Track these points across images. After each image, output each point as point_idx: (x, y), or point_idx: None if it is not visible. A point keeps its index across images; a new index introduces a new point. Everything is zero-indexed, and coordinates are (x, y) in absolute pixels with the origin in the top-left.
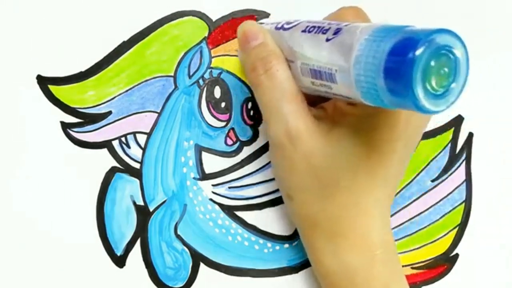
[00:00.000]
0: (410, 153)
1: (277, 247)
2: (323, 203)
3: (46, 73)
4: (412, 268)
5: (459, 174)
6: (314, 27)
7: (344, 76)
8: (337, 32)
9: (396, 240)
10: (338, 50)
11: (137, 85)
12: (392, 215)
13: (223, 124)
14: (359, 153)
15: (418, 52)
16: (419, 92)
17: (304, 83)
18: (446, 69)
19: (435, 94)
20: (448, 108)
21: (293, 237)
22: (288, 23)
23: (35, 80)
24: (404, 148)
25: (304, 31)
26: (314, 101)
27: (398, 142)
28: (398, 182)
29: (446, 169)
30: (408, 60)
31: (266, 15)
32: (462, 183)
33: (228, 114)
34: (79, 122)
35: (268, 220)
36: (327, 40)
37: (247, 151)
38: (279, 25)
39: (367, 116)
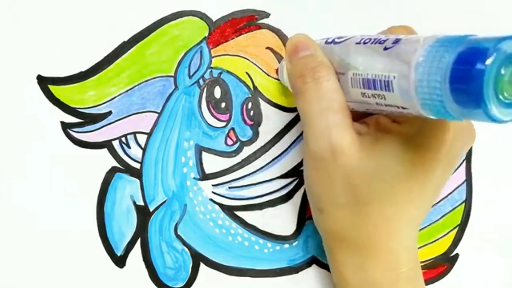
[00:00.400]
0: (448, 176)
1: (277, 247)
2: (354, 219)
3: (46, 73)
4: None
5: (459, 174)
6: (370, 39)
7: (403, 83)
8: (396, 42)
9: None
10: (397, 58)
11: (137, 85)
12: None
13: (223, 124)
14: (399, 172)
15: (489, 61)
16: (491, 102)
17: (352, 95)
18: None
19: (505, 103)
20: None
21: (293, 237)
22: (339, 37)
23: (35, 80)
24: (444, 171)
25: (358, 43)
26: (355, 116)
27: (439, 165)
28: (432, 203)
29: None
30: (478, 70)
31: (266, 15)
32: (462, 183)
33: (228, 114)
34: (79, 122)
35: (268, 220)
36: (386, 49)
37: (247, 151)
38: (330, 40)
39: (411, 135)
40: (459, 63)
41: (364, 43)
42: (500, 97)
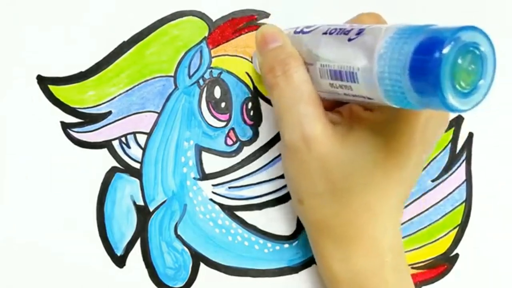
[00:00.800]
0: (424, 160)
1: (277, 247)
2: (334, 208)
3: (46, 73)
4: (412, 268)
5: (459, 174)
6: (336, 29)
7: (367, 75)
8: (360, 32)
9: None
10: (361, 49)
11: (137, 85)
12: None
13: (223, 124)
14: (375, 159)
15: (445, 50)
16: (448, 91)
17: (322, 86)
18: (473, 66)
19: (463, 92)
20: (476, 106)
21: (293, 237)
22: (307, 27)
23: (35, 80)
24: (420, 155)
25: (325, 33)
26: (329, 106)
27: (414, 149)
28: (411, 188)
29: (446, 169)
30: (436, 59)
31: (266, 15)
32: (462, 183)
33: (228, 114)
34: (79, 122)
35: (268, 220)
36: (350, 40)
37: (247, 151)
38: (298, 29)
39: (384, 122)
40: (418, 53)
41: (330, 33)
42: (457, 86)
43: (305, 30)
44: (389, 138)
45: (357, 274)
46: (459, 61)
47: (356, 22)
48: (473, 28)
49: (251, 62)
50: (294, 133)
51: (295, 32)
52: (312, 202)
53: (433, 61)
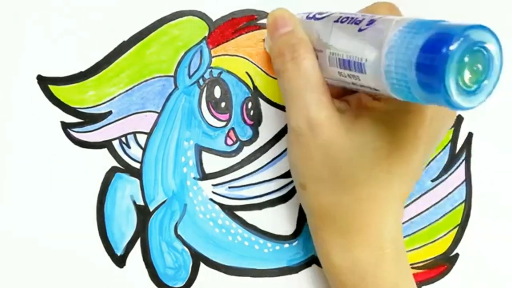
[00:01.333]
0: (429, 154)
1: (277, 247)
2: (337, 195)
3: (46, 73)
4: (412, 268)
5: (459, 174)
6: (348, 17)
7: (374, 67)
8: (370, 23)
9: None
10: (370, 40)
11: (137, 85)
12: None
13: (223, 124)
14: (380, 149)
15: (452, 47)
16: (452, 88)
17: (331, 73)
18: (479, 65)
19: (467, 91)
20: (479, 105)
21: (293, 237)
22: (320, 13)
23: (35, 80)
24: (425, 149)
25: (336, 21)
26: (338, 94)
27: (419, 143)
28: (414, 181)
29: (446, 169)
30: (442, 55)
31: (266, 15)
32: (462, 183)
33: (228, 114)
34: (79, 122)
35: (268, 220)
36: (360, 30)
37: (247, 151)
38: (311, 15)
39: (391, 112)
40: (425, 49)
41: (341, 22)
42: (461, 84)
43: (318, 16)
44: (394, 130)
45: (357, 264)
46: (466, 59)
47: (369, 11)
48: (482, 27)
49: (263, 42)
50: (300, 118)
51: (308, 18)
52: (314, 187)
53: (439, 57)
